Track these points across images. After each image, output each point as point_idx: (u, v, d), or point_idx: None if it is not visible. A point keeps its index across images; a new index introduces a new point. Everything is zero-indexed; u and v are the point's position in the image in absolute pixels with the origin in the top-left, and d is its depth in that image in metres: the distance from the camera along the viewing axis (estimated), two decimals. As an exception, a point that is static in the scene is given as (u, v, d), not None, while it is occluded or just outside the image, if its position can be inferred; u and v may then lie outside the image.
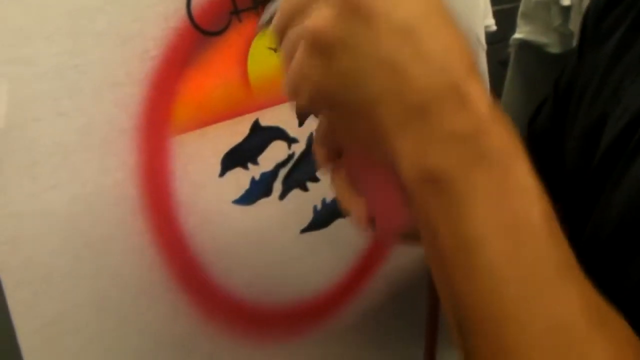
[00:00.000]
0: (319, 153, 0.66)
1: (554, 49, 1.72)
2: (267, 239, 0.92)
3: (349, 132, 0.58)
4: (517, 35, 1.78)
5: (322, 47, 0.53)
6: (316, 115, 0.62)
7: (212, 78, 0.85)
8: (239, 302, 0.91)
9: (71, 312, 0.78)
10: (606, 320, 0.51)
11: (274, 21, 0.59)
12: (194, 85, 0.83)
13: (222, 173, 0.87)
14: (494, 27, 1.30)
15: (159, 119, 0.81)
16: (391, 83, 0.51)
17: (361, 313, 1.03)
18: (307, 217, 0.96)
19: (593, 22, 0.91)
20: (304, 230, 0.96)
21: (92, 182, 0.77)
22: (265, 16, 0.63)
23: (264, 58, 0.89)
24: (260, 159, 0.90)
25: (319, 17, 0.53)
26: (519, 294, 0.50)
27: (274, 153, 0.91)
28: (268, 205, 0.92)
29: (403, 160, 0.52)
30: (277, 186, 0.93)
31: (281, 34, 0.58)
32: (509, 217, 0.50)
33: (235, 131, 0.88)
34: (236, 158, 0.88)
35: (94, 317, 0.79)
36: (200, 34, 0.83)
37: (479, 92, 0.51)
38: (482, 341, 0.51)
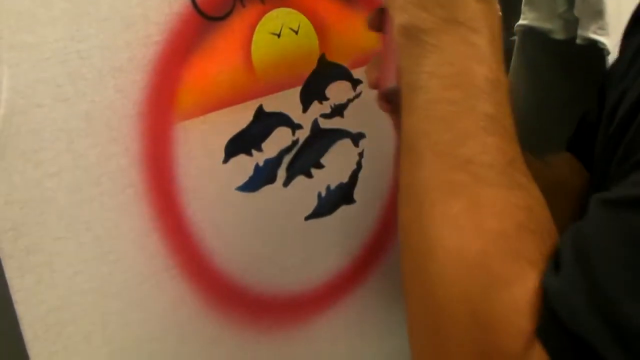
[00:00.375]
0: (369, 17, 0.81)
1: (559, 35, 1.71)
2: (271, 226, 0.92)
3: None
4: (522, 21, 1.77)
5: None
6: None
7: (215, 64, 0.84)
8: (243, 289, 0.91)
9: (74, 299, 0.77)
10: (515, 179, 0.60)
11: None
12: (198, 71, 0.83)
13: (226, 160, 0.87)
14: (498, 13, 1.29)
15: (162, 105, 0.80)
16: None
17: (366, 301, 1.03)
18: (312, 204, 0.96)
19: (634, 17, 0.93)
20: (308, 217, 0.96)
21: (96, 169, 0.77)
22: None
23: (267, 44, 0.88)
24: (264, 145, 0.90)
25: None
26: (441, 137, 0.60)
27: (278, 139, 0.91)
28: (272, 192, 0.91)
29: (394, 17, 0.65)
30: (281, 173, 0.92)
31: None
32: (455, 72, 0.61)
33: (239, 117, 0.87)
34: (240, 144, 0.88)
35: (98, 304, 0.79)
36: (203, 19, 0.83)
37: None
38: (404, 175, 0.65)
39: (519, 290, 0.56)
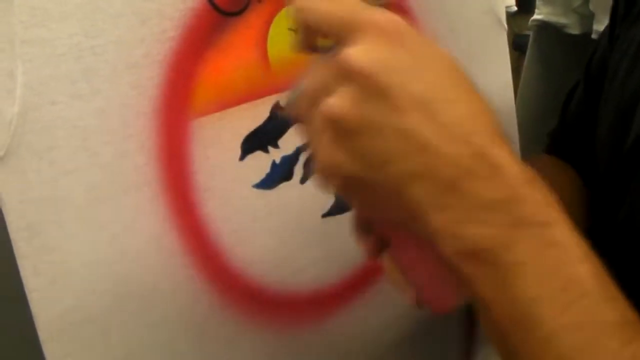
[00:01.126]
0: (363, 243, 0.67)
1: (574, 30, 1.71)
2: (287, 224, 0.91)
3: (384, 213, 0.58)
4: (537, 16, 1.77)
5: (345, 131, 0.53)
6: (350, 202, 0.61)
7: (231, 60, 0.83)
8: (260, 287, 0.90)
9: (89, 299, 0.77)
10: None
11: (297, 103, 0.59)
12: (213, 67, 0.82)
13: (243, 157, 0.86)
14: (514, 8, 1.28)
15: (177, 102, 0.80)
16: (419, 160, 0.51)
17: (383, 299, 1.02)
18: (328, 201, 0.95)
19: (625, 1, 0.90)
20: (325, 215, 0.95)
21: (111, 166, 0.76)
22: (290, 96, 0.61)
23: (283, 39, 0.87)
24: (281, 142, 0.89)
25: (338, 101, 0.53)
26: (574, 355, 0.49)
27: (295, 136, 0.89)
28: (289, 189, 0.91)
29: (440, 236, 0.52)
30: (298, 170, 0.91)
31: (305, 115, 0.57)
32: (558, 280, 0.50)
33: (255, 114, 0.86)
34: (256, 141, 0.87)
35: (113, 304, 0.78)
36: (219, 14, 0.82)
37: (507, 156, 0.51)
38: None
39: None
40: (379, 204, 0.56)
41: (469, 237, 0.51)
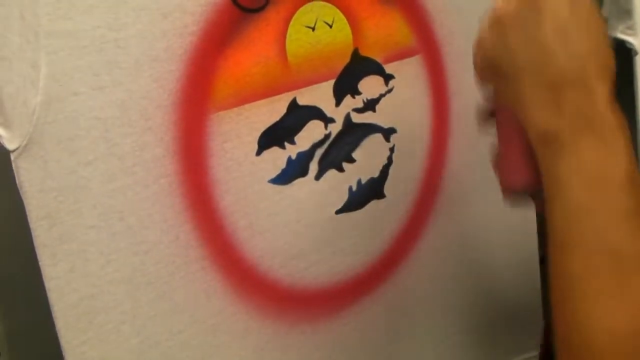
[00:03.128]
0: (479, 112, 0.81)
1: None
2: (302, 219, 0.92)
3: (502, 95, 0.72)
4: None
5: (498, 24, 0.69)
6: (485, 80, 0.76)
7: (250, 56, 0.84)
8: (274, 281, 0.91)
9: (106, 288, 0.78)
10: None
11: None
12: (233, 62, 0.83)
13: (259, 152, 0.87)
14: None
15: (197, 96, 0.80)
16: (537, 60, 0.66)
17: (394, 295, 1.03)
18: (343, 197, 0.96)
19: None
20: (339, 211, 0.96)
21: (130, 158, 0.77)
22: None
23: (302, 36, 0.88)
24: (297, 138, 0.90)
25: (504, 2, 0.69)
26: (588, 229, 0.63)
27: (311, 133, 0.91)
28: (304, 185, 0.91)
29: (531, 122, 0.67)
30: (313, 166, 0.92)
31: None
32: (596, 173, 0.64)
33: (273, 110, 0.87)
34: (273, 137, 0.87)
35: (129, 294, 0.79)
36: (239, 10, 0.83)
37: (604, 93, 0.65)
38: (555, 264, 0.66)
39: None
40: (502, 85, 0.71)
41: (549, 128, 0.65)
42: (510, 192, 0.76)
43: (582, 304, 0.63)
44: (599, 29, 0.68)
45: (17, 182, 0.72)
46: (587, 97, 0.65)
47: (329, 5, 0.90)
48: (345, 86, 0.93)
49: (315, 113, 0.91)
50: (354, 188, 0.97)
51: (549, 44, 0.66)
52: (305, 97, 0.90)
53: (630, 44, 1.42)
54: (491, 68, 0.71)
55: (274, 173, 0.89)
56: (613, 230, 0.63)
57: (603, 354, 0.61)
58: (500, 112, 0.77)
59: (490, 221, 1.12)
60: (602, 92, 0.65)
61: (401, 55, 0.98)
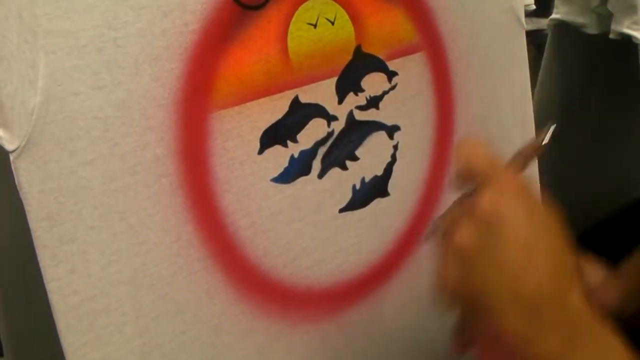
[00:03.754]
0: (455, 340, 0.79)
1: (592, 29, 1.69)
2: (305, 218, 0.91)
3: (479, 323, 0.73)
4: (554, 15, 1.76)
5: (462, 259, 0.68)
6: (460, 312, 0.76)
7: (251, 53, 0.84)
8: (277, 281, 0.90)
9: (107, 289, 0.77)
10: None
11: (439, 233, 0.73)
12: (234, 60, 0.82)
13: (261, 150, 0.86)
14: (533, 7, 1.28)
15: (198, 94, 0.80)
16: (511, 286, 0.65)
17: (399, 294, 1.02)
18: (346, 196, 0.95)
19: None
20: (342, 210, 0.95)
21: (131, 158, 0.76)
22: (434, 224, 0.76)
23: (303, 34, 0.88)
24: (300, 136, 0.89)
25: (465, 233, 0.67)
26: None
27: (314, 131, 0.90)
28: (307, 184, 0.91)
29: (520, 346, 0.65)
30: (316, 165, 0.92)
31: (441, 243, 0.72)
32: None
33: (275, 108, 0.87)
34: (275, 135, 0.87)
35: (131, 295, 0.79)
36: (240, 8, 0.82)
37: (579, 300, 0.66)
38: None
39: None
40: (476, 315, 0.71)
41: (539, 349, 0.64)
42: None
43: None
44: (559, 235, 0.68)
45: (16, 183, 0.71)
46: (564, 309, 0.65)
47: (331, 2, 0.90)
48: (347, 83, 0.93)
49: (317, 111, 0.90)
50: (358, 186, 0.96)
51: (518, 266, 0.65)
52: (307, 95, 0.89)
53: (637, 38, 1.41)
54: (463, 299, 0.70)
55: (277, 172, 0.88)
56: None
57: None
58: (482, 343, 0.77)
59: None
60: (578, 304, 0.66)
61: (404, 52, 0.98)
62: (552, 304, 0.64)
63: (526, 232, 0.66)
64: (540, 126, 1.11)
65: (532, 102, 1.15)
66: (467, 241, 0.67)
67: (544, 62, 1.84)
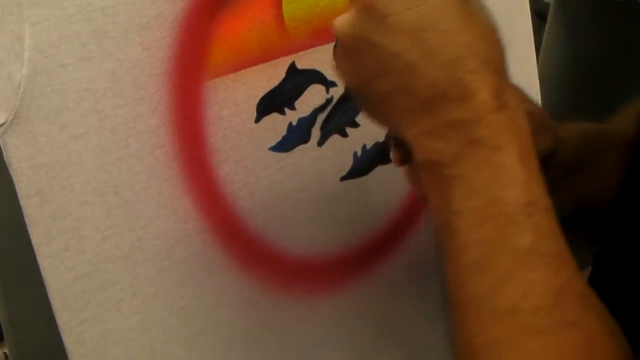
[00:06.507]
0: (392, 155, 0.75)
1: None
2: (305, 187, 0.90)
3: (377, 120, 0.66)
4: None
5: (346, 47, 0.63)
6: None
7: (246, 20, 0.82)
8: (278, 253, 0.89)
9: (103, 266, 0.76)
10: (565, 318, 0.54)
11: None
12: (227, 27, 0.81)
13: (258, 119, 0.85)
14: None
15: (190, 63, 0.78)
16: (402, 79, 0.58)
17: (404, 263, 1.01)
18: (347, 164, 0.94)
19: None
20: (344, 178, 0.94)
21: (123, 130, 0.75)
22: None
23: (299, -1, 0.86)
24: (298, 103, 0.88)
25: (341, 20, 0.63)
26: (476, 288, 0.56)
27: (312, 97, 0.89)
28: (306, 152, 0.90)
29: (412, 146, 0.60)
30: (316, 132, 0.90)
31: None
32: (483, 198, 0.56)
33: (271, 75, 0.85)
34: (272, 103, 0.86)
35: (127, 271, 0.77)
36: (232, -27, 0.80)
37: (485, 82, 0.56)
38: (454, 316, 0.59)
39: None
40: (372, 111, 0.65)
41: (428, 149, 0.58)
42: None
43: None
44: (469, 13, 0.59)
45: (5, 159, 0.69)
46: (464, 99, 0.56)
47: (327, -35, 0.88)
48: (346, 48, 0.91)
49: (315, 77, 0.89)
50: (359, 153, 0.95)
51: (405, 53, 0.57)
52: (304, 61, 0.87)
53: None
54: (356, 94, 0.65)
55: (274, 140, 0.87)
56: (509, 284, 0.54)
57: None
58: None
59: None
60: (486, 94, 0.56)
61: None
62: (450, 95, 0.56)
63: (415, 13, 0.57)
64: (547, 99, 1.10)
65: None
66: (345, 28, 0.62)
67: (547, 28, 1.81)
